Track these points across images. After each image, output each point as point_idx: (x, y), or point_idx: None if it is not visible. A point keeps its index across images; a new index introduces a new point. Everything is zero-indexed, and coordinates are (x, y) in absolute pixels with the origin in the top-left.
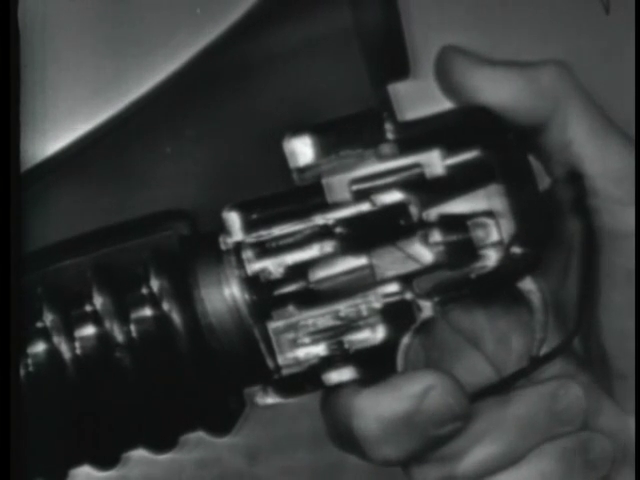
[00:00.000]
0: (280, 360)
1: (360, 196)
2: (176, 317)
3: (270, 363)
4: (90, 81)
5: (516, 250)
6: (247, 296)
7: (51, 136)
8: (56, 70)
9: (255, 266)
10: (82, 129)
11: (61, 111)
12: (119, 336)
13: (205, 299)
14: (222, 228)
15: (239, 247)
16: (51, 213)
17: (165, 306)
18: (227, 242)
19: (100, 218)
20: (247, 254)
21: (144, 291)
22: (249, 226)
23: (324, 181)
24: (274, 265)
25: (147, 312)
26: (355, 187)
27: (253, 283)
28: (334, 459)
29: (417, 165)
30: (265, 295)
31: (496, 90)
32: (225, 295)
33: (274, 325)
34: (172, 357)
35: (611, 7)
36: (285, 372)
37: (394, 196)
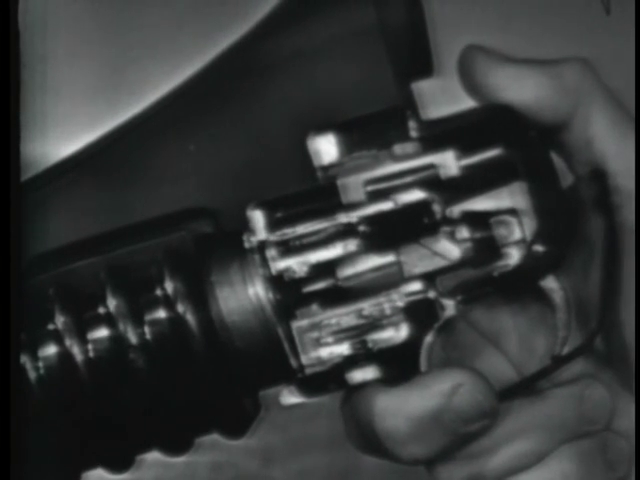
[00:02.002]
0: (304, 359)
1: (374, 197)
2: (191, 318)
3: (294, 362)
4: (90, 82)
5: (539, 248)
6: (271, 295)
7: (51, 137)
8: (56, 70)
9: (279, 265)
10: (82, 130)
11: (61, 112)
12: (133, 338)
13: (228, 298)
14: (246, 226)
15: (263, 246)
16: (72, 212)
17: (180, 307)
18: (251, 240)
19: (122, 217)
20: (271, 253)
21: (159, 292)
22: (273, 224)
23: (339, 182)
24: (298, 264)
25: (162, 314)
26: (370, 188)
27: (277, 282)
28: (349, 461)
29: (432, 166)
30: (289, 294)
31: (518, 88)
32: (249, 294)
33: (298, 324)
34: (187, 359)
35: (611, 8)
36: (309, 371)
37: (417, 194)
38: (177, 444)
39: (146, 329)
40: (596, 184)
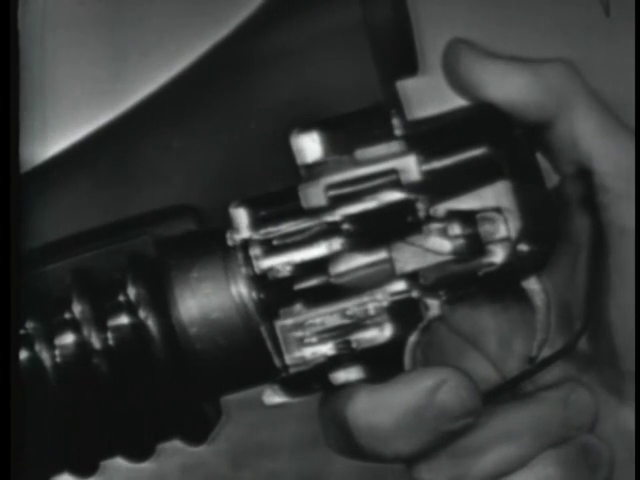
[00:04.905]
0: (287, 359)
1: (336, 202)
2: (152, 324)
3: (277, 362)
4: (90, 80)
5: (523, 247)
6: (254, 294)
7: (50, 136)
8: (56, 70)
9: (263, 264)
10: (82, 129)
11: (60, 111)
12: (96, 343)
13: (210, 295)
14: (229, 224)
15: (247, 244)
16: (56, 210)
17: (142, 313)
18: (234, 238)
19: (106, 215)
20: (255, 251)
21: (122, 298)
22: (257, 223)
23: (300, 187)
24: (282, 263)
25: (124, 319)
26: (331, 193)
27: (260, 281)
28: (319, 464)
29: (393, 171)
30: (273, 293)
31: (502, 86)
32: (232, 292)
33: (281, 323)
34: (148, 365)
35: (611, 9)
36: (292, 371)
37: (400, 193)
38: (139, 450)
39: (109, 335)
40: (581, 184)
